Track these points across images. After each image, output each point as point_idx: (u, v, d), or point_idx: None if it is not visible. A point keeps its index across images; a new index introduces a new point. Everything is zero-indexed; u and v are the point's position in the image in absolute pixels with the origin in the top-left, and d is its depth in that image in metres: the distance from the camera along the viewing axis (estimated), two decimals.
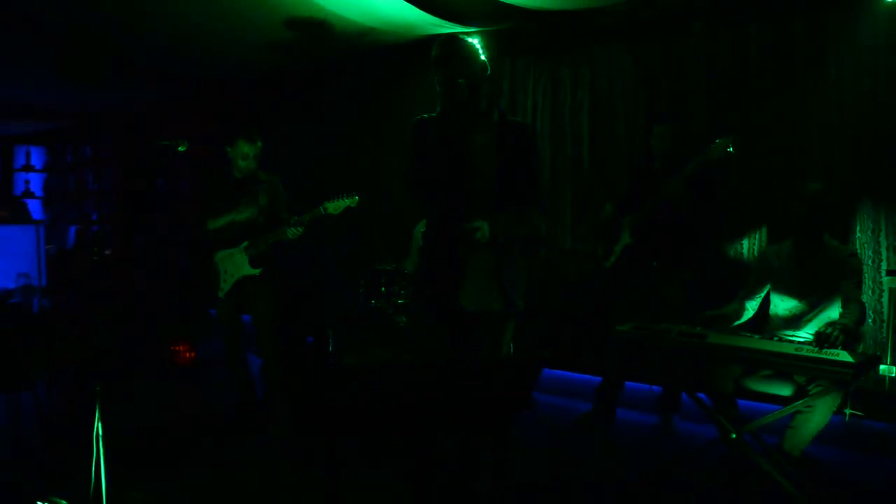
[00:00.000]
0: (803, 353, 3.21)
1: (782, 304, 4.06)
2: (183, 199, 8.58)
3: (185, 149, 4.09)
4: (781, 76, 5.10)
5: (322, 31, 6.00)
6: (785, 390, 3.77)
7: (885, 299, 4.57)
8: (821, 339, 3.39)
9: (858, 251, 4.60)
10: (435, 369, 1.95)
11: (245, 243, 4.54)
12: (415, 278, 3.18)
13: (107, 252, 9.50)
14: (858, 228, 4.75)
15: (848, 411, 4.13)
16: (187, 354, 6.45)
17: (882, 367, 4.37)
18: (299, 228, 4.37)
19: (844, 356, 3.11)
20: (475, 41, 6.06)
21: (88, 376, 5.56)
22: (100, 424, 3.11)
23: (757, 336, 3.50)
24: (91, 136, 10.75)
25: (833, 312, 3.82)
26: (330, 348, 4.98)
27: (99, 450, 3.06)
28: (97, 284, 8.28)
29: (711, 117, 5.39)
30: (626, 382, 4.80)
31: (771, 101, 5.14)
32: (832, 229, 4.18)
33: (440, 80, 2.93)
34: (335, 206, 4.36)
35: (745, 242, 5.23)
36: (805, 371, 3.37)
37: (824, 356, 3.15)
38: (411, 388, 1.72)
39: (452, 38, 2.96)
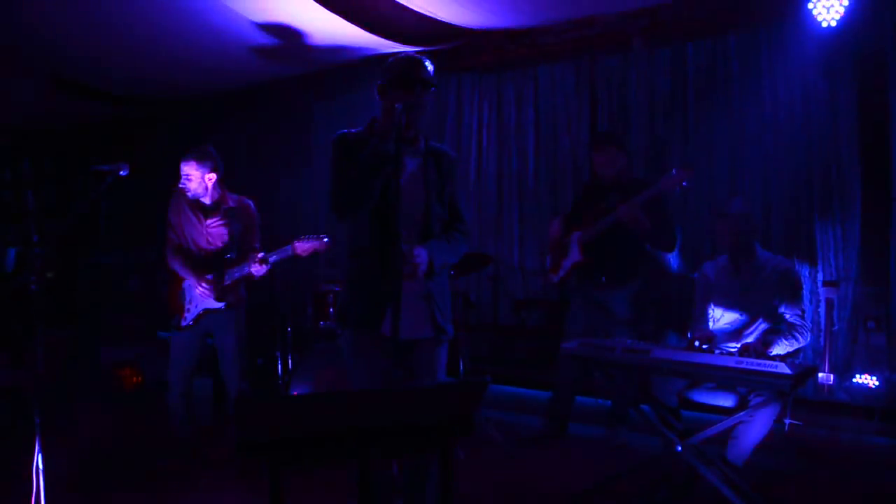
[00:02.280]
0: (744, 365, 3.28)
1: (723, 318, 4.17)
2: (129, 221, 8.43)
3: (126, 173, 3.97)
4: (718, 93, 5.26)
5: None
6: (727, 401, 3.86)
7: (822, 309, 4.72)
8: (745, 352, 3.54)
9: (796, 262, 4.75)
10: (375, 395, 1.94)
11: (210, 277, 4.35)
12: (341, 305, 3.04)
13: (49, 275, 9.26)
14: (796, 242, 4.89)
15: (788, 420, 4.25)
16: (133, 379, 6.30)
17: (820, 375, 4.51)
18: (264, 266, 4.25)
19: (783, 368, 3.19)
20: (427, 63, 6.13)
21: (28, 405, 5.40)
22: (40, 457, 3.04)
23: (702, 348, 3.57)
24: (30, 154, 10.48)
25: (773, 323, 3.94)
26: (279, 371, 4.94)
27: (39, 484, 2.98)
28: (39, 309, 8.05)
29: (651, 132, 5.52)
30: (577, 397, 4.86)
31: (708, 117, 5.30)
32: (770, 241, 4.32)
33: (385, 100, 2.89)
34: (304, 248, 4.26)
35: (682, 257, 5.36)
36: (745, 383, 3.46)
37: (764, 368, 3.23)
38: (351, 414, 1.72)
39: (419, 59, 2.92)
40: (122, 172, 3.98)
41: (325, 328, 5.10)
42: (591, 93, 5.92)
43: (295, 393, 4.70)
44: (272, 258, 4.26)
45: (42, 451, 3.04)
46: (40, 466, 3.10)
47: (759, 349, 3.65)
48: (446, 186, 3.02)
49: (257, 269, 4.25)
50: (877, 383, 4.57)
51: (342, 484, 3.87)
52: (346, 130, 2.99)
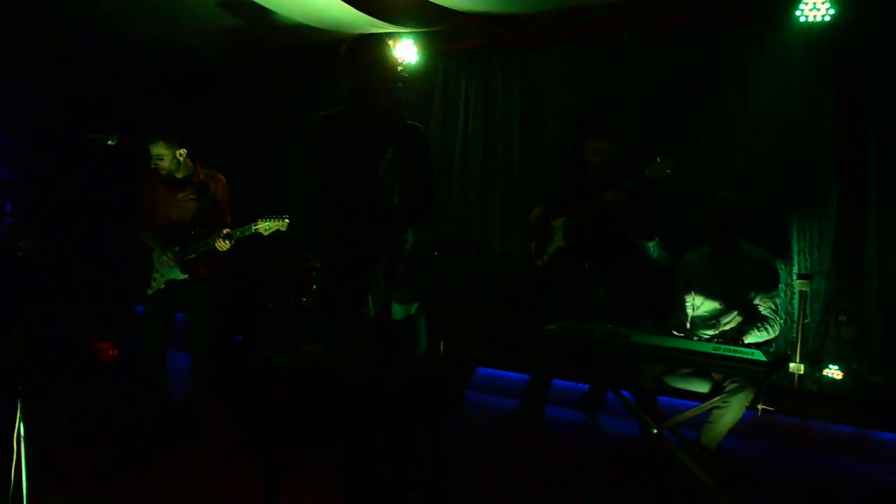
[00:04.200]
0: (721, 352, 3.39)
1: (703, 306, 4.29)
2: (110, 194, 8.36)
3: (114, 142, 4.00)
4: (704, 88, 5.36)
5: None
6: (703, 387, 3.99)
7: (795, 301, 4.86)
8: (723, 338, 3.66)
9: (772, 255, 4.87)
10: (371, 366, 1.98)
11: (177, 248, 4.48)
12: (324, 286, 3.08)
13: (23, 245, 9.15)
14: (774, 235, 5.02)
15: (760, 406, 4.38)
16: (110, 352, 6.28)
17: (791, 365, 4.64)
18: (228, 242, 4.38)
19: (758, 355, 3.30)
20: (405, 41, 6.15)
21: (8, 376, 5.36)
22: (21, 425, 3.04)
23: (680, 335, 3.67)
24: (5, 125, 10.31)
25: (749, 313, 4.06)
26: (260, 347, 4.96)
27: (21, 452, 2.98)
28: (19, 280, 7.97)
29: (637, 125, 5.60)
30: (554, 380, 4.95)
31: (694, 111, 5.41)
32: (748, 234, 4.42)
33: (351, 81, 2.89)
34: (266, 227, 4.38)
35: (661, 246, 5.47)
36: (721, 369, 3.58)
37: (740, 355, 3.34)
38: (348, 384, 1.77)
39: (367, 39, 2.90)
40: (110, 142, 4.03)
41: (307, 304, 5.13)
42: (578, 82, 5.98)
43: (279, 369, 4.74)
44: (247, 231, 4.37)
45: (23, 420, 3.02)
46: (21, 433, 3.10)
47: (734, 336, 3.78)
48: (419, 165, 3.02)
49: (229, 242, 4.38)
50: (844, 374, 4.72)
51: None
52: (322, 113, 3.00)
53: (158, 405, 4.58)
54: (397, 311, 2.85)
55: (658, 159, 4.41)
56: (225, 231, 4.38)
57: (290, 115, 7.40)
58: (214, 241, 4.38)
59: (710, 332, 4.12)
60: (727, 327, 4.13)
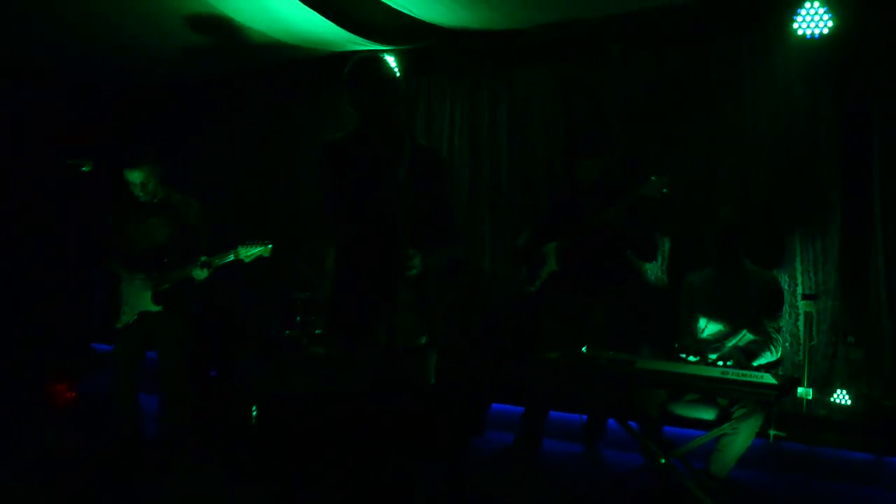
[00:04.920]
0: (728, 376, 3.39)
1: (708, 328, 4.30)
2: (65, 220, 8.22)
3: (89, 168, 3.94)
4: (697, 101, 5.40)
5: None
6: (709, 414, 3.98)
7: (800, 323, 4.86)
8: (723, 358, 3.66)
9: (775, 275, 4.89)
10: (391, 395, 1.97)
11: (148, 278, 4.37)
12: (329, 311, 3.12)
13: None
14: (776, 254, 5.03)
15: (772, 432, 4.36)
16: (67, 394, 6.06)
17: (800, 389, 4.64)
18: (205, 270, 4.28)
19: (768, 378, 3.29)
20: (391, 59, 6.17)
21: None
22: None
23: (690, 359, 3.66)
24: None
25: (756, 335, 4.07)
26: (239, 382, 4.88)
27: None
28: None
29: (630, 141, 5.62)
30: (550, 411, 4.90)
31: (688, 125, 5.43)
32: (752, 253, 4.45)
33: (357, 102, 2.94)
34: (247, 254, 4.30)
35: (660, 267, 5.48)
36: (730, 393, 3.56)
37: (749, 378, 3.33)
38: (364, 412, 1.74)
39: (371, 58, 2.98)
40: (84, 168, 3.97)
41: (291, 337, 5.08)
42: (567, 98, 6.00)
43: (259, 405, 4.67)
44: (228, 258, 4.30)
45: None
46: None
47: (739, 356, 3.77)
48: (434, 188, 3.07)
49: (206, 270, 4.28)
50: (854, 399, 4.72)
51: None
52: (330, 138, 3.02)
53: (131, 451, 4.46)
54: (402, 339, 2.84)
55: (653, 178, 4.43)
56: (203, 259, 4.29)
57: (265, 136, 7.38)
58: (190, 270, 4.28)
59: (715, 356, 4.11)
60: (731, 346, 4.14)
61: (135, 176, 4.28)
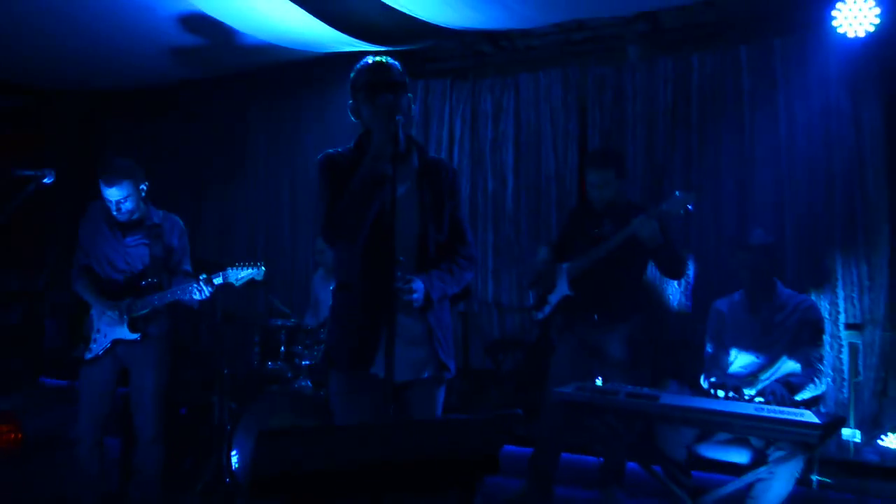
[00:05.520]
0: (764, 413, 3.36)
1: (737, 361, 4.27)
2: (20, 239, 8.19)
3: (51, 180, 3.91)
4: (727, 110, 5.42)
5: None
6: (742, 457, 3.93)
7: (844, 355, 4.84)
8: (765, 396, 3.63)
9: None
10: (395, 428, 1.98)
11: (127, 301, 4.29)
12: (329, 343, 3.15)
13: None
14: (814, 278, 5.03)
15: (815, 478, 4.32)
16: (11, 436, 5.98)
17: (845, 430, 4.61)
18: (206, 290, 4.21)
19: (809, 416, 3.27)
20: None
21: None
22: None
23: (720, 394, 3.64)
24: None
25: (794, 367, 4.04)
26: (216, 420, 4.83)
27: None
28: None
29: (650, 153, 5.64)
30: (563, 453, 4.86)
31: (715, 136, 5.46)
32: (785, 277, 4.44)
33: (361, 110, 3.01)
34: (238, 276, 4.27)
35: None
36: (766, 433, 3.53)
37: (787, 416, 3.31)
38: (373, 448, 1.74)
39: (390, 64, 3.04)
40: (46, 180, 3.94)
41: (275, 369, 5.05)
42: (581, 106, 6.04)
43: (239, 447, 4.63)
44: (217, 280, 4.23)
45: None
46: None
47: (782, 392, 3.75)
48: (445, 206, 3.10)
49: (197, 294, 4.22)
50: None
51: None
52: (331, 150, 3.09)
53: (94, 485, 4.38)
54: (403, 372, 2.85)
55: (677, 193, 4.42)
56: (204, 276, 4.23)
57: (253, 144, 7.45)
58: (184, 292, 4.23)
59: (747, 391, 4.08)
60: (766, 383, 4.11)
61: (112, 193, 4.22)
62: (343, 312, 3.07)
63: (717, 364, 4.31)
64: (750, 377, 4.20)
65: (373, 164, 2.84)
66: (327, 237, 3.00)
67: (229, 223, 7.53)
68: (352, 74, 3.06)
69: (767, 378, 4.14)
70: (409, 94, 3.06)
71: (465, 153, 6.48)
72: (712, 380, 4.18)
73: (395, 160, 2.75)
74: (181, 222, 4.57)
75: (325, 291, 5.40)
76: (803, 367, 4.07)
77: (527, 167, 6.25)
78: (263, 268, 4.33)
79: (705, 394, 3.76)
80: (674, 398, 3.59)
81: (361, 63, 3.08)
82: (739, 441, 3.91)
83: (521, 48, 6.23)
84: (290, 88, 7.16)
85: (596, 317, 4.69)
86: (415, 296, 2.88)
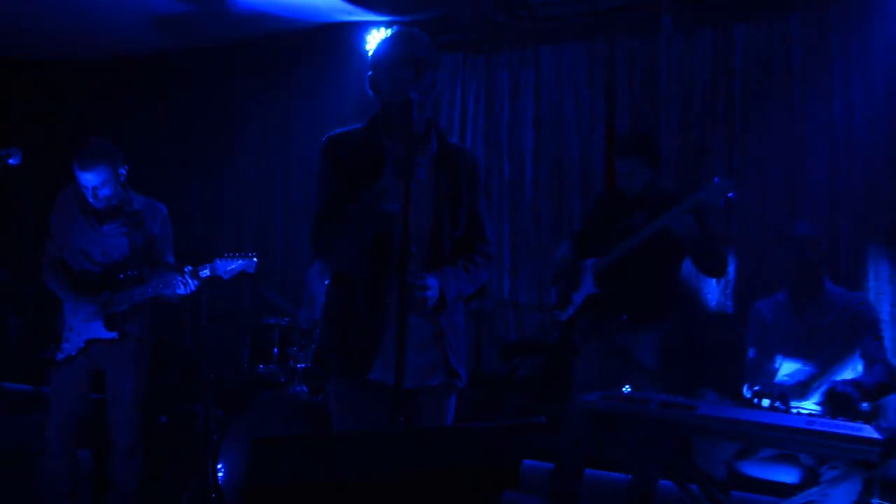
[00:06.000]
0: (816, 426, 3.29)
1: (782, 369, 4.21)
2: None
3: (17, 161, 3.90)
4: (774, 87, 5.36)
5: None
6: (790, 476, 3.88)
7: None
8: (834, 399, 3.53)
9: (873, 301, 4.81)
10: (409, 437, 1.97)
11: (104, 295, 4.27)
12: (323, 344, 3.12)
13: None
14: (872, 274, 4.97)
15: (876, 501, 4.26)
16: None
17: None
18: (191, 283, 4.20)
19: (868, 430, 3.20)
20: (386, 33, 6.16)
21: None
22: None
23: (764, 404, 3.58)
24: None
25: (847, 375, 3.97)
26: (201, 430, 4.81)
27: None
28: None
29: (686, 135, 5.58)
30: (586, 468, 4.83)
31: (761, 116, 5.39)
32: (835, 273, 4.37)
33: (379, 83, 2.96)
34: (227, 269, 4.24)
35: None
36: (818, 449, 3.47)
37: (843, 430, 3.24)
38: (380, 458, 1.72)
39: (420, 33, 2.99)
40: (11, 160, 3.92)
41: (267, 373, 5.01)
42: (608, 83, 6.00)
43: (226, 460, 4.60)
44: (203, 272, 4.19)
45: None
46: None
47: (849, 392, 3.66)
48: (463, 197, 3.07)
49: (181, 287, 4.19)
50: None
51: None
52: (338, 130, 3.07)
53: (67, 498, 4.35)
54: (408, 378, 2.81)
55: (716, 180, 4.37)
56: (189, 268, 4.21)
57: (242, 121, 7.45)
58: (167, 286, 4.21)
59: (795, 402, 4.03)
60: (820, 397, 4.04)
61: (88, 178, 4.19)
62: (340, 310, 3.03)
63: (762, 371, 4.25)
64: (798, 387, 4.13)
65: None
66: (314, 241, 3.02)
67: (215, 210, 7.54)
68: (380, 43, 3.01)
69: (817, 388, 4.07)
70: (432, 73, 2.98)
71: (479, 135, 6.47)
72: (756, 388, 4.12)
73: (410, 143, 2.70)
74: (164, 209, 4.54)
75: (321, 287, 5.38)
76: (867, 365, 3.99)
77: (547, 151, 6.22)
78: (255, 259, 4.30)
79: (748, 404, 3.70)
80: (713, 408, 3.53)
81: (391, 32, 3.03)
82: (787, 458, 3.85)
83: (541, 18, 6.18)
84: (284, 62, 7.18)
85: (625, 317, 4.65)
86: (429, 293, 2.84)
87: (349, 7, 5.99)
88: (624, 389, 3.79)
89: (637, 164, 4.66)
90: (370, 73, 3.02)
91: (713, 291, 5.39)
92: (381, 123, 3.01)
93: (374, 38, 6.16)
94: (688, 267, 4.78)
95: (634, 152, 4.70)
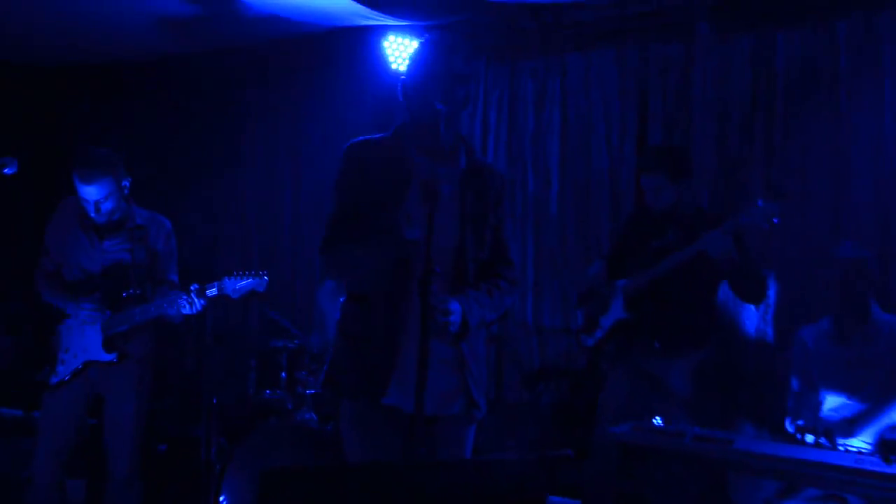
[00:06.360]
0: (865, 465, 3.28)
1: (827, 402, 4.19)
2: None
3: (13, 171, 3.94)
4: (818, 97, 5.33)
5: None
6: None
7: None
8: (885, 448, 3.48)
9: None
10: (427, 469, 1.97)
11: (104, 316, 4.30)
12: (336, 363, 3.13)
13: None
14: None
15: None
16: None
17: None
18: (197, 303, 4.23)
19: None
20: (406, 40, 6.20)
21: None
22: None
23: (808, 440, 3.57)
24: None
25: None
26: (203, 459, 4.82)
27: None
28: None
29: (723, 148, 5.57)
30: None
31: (803, 128, 5.36)
32: (884, 299, 4.34)
33: (418, 97, 2.98)
34: (236, 287, 4.27)
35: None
36: (867, 491, 3.44)
37: (893, 471, 3.21)
38: (395, 491, 1.72)
39: (457, 42, 3.07)
40: (7, 170, 3.95)
41: (274, 399, 5.02)
42: (640, 92, 6.00)
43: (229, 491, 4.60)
44: (210, 291, 4.21)
45: None
46: None
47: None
48: (489, 218, 3.10)
49: (187, 307, 4.21)
50: None
51: None
52: (360, 137, 3.10)
53: None
54: (431, 406, 2.82)
55: (759, 203, 4.34)
56: (195, 286, 4.24)
57: (250, 131, 7.50)
58: (163, 307, 4.23)
59: (841, 439, 4.00)
60: (868, 434, 4.01)
61: (90, 192, 4.22)
62: (356, 327, 3.05)
63: (806, 404, 4.23)
64: (844, 423, 4.10)
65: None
66: (323, 254, 3.06)
67: (218, 224, 7.53)
68: (419, 49, 3.06)
69: (866, 426, 4.04)
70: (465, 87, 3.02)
71: (502, 147, 6.46)
72: (800, 423, 4.09)
73: (434, 170, 2.73)
74: (169, 224, 4.60)
75: (333, 307, 5.38)
76: None
77: (574, 165, 6.21)
78: (266, 278, 4.32)
79: (790, 439, 3.69)
80: (752, 443, 3.54)
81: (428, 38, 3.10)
82: (833, 499, 3.82)
83: (568, 24, 6.17)
84: (295, 68, 7.19)
85: (657, 344, 4.65)
86: (451, 318, 2.85)
87: (367, 11, 6.00)
88: (655, 420, 3.79)
89: (663, 179, 4.65)
90: (403, 78, 3.05)
91: (752, 317, 5.35)
92: (409, 133, 3.04)
93: (392, 44, 6.20)
94: (725, 291, 4.77)
95: (660, 167, 4.69)
